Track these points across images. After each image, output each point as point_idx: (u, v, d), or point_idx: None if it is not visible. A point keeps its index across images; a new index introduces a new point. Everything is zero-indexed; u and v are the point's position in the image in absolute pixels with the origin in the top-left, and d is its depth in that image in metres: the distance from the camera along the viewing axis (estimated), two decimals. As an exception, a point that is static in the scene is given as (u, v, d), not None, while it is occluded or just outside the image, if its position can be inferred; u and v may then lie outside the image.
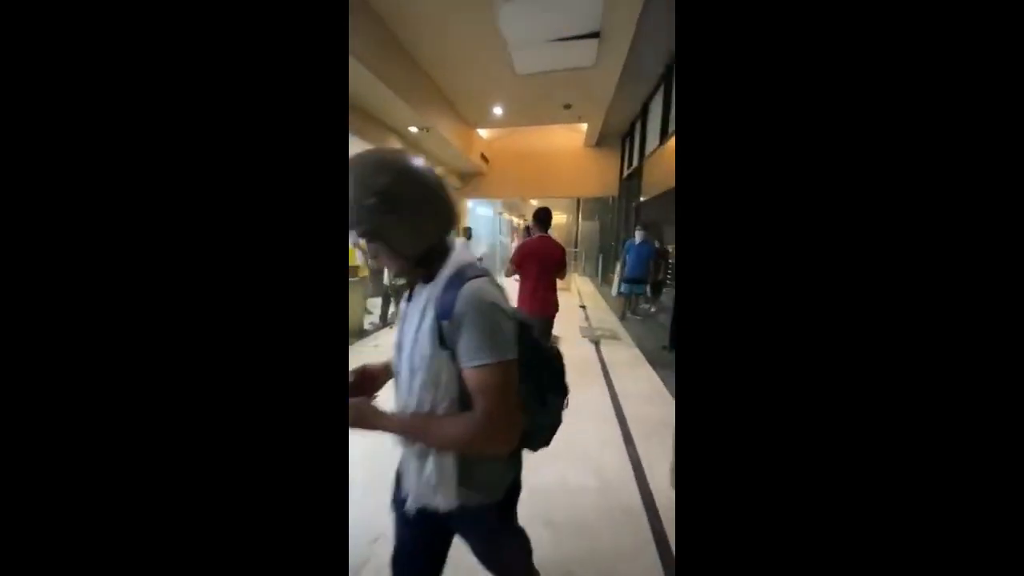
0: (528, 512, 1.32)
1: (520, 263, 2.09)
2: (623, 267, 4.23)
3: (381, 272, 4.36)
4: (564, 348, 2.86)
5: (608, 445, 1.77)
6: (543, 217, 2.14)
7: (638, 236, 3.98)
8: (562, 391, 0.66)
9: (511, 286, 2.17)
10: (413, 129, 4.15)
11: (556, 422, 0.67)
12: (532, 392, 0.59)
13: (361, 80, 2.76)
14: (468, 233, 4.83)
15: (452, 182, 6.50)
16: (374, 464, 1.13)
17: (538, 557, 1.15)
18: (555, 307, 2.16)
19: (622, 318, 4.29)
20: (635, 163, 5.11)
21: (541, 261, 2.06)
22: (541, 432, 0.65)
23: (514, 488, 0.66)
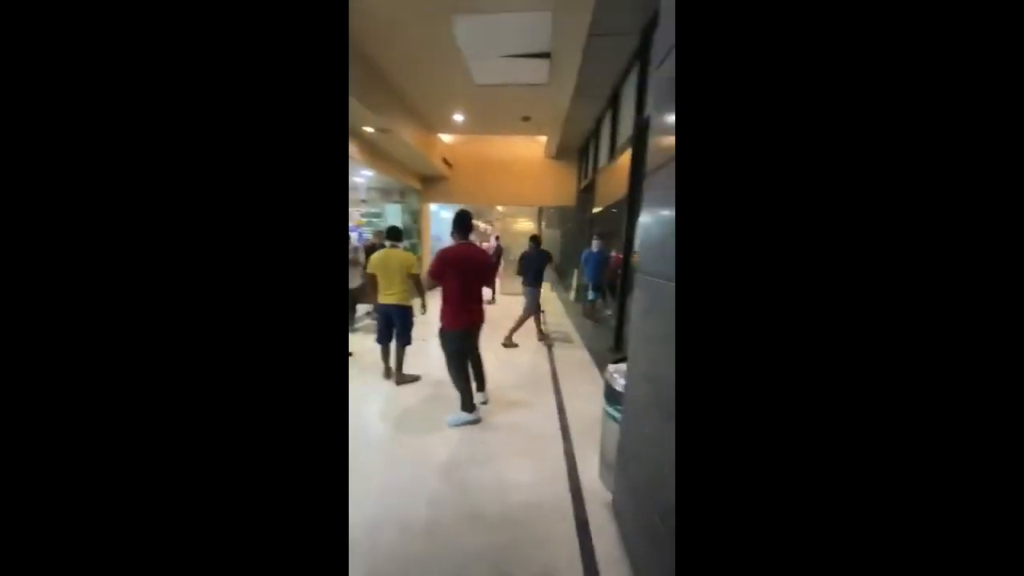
0: (459, 509, 1.36)
1: (439, 274, 1.82)
2: (580, 275, 4.44)
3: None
4: (520, 352, 2.89)
5: (547, 441, 1.86)
6: (462, 222, 1.84)
7: (595, 245, 4.23)
8: None
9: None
10: (369, 129, 4.06)
11: None
12: None
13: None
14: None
15: (413, 184, 6.40)
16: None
17: (465, 548, 1.20)
18: (482, 317, 1.98)
19: (593, 320, 4.51)
20: (589, 176, 5.43)
21: (463, 269, 1.81)
22: None
23: None
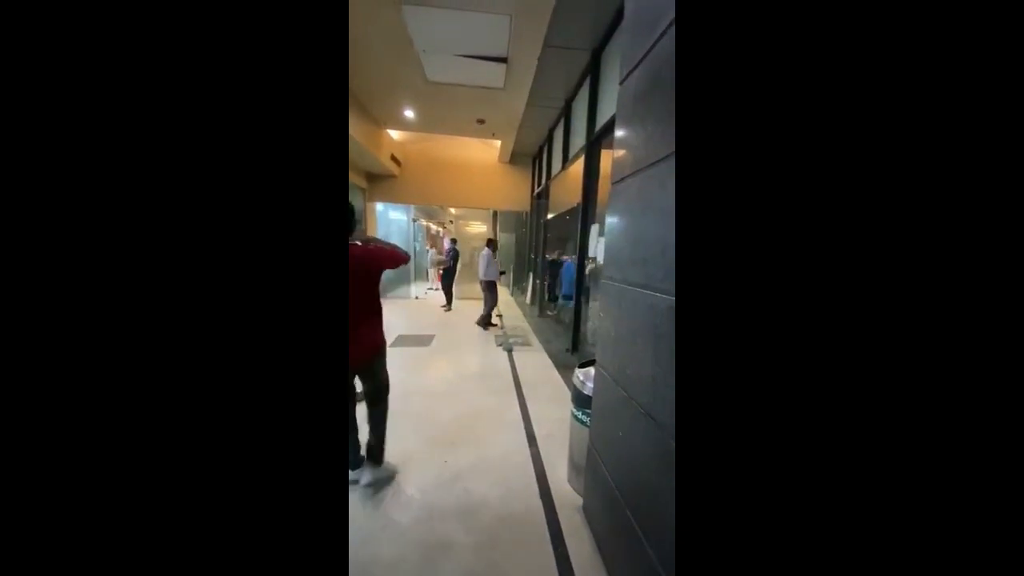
0: (427, 539, 1.25)
1: None
2: (553, 281, 4.53)
3: None
4: (481, 357, 2.72)
5: (513, 450, 1.82)
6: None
7: (569, 257, 4.30)
8: None
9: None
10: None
11: None
12: None
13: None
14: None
15: (357, 182, 5.91)
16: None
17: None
18: (375, 345, 1.36)
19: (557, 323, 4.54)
20: (543, 183, 5.59)
21: (351, 279, 1.20)
22: None
23: None
